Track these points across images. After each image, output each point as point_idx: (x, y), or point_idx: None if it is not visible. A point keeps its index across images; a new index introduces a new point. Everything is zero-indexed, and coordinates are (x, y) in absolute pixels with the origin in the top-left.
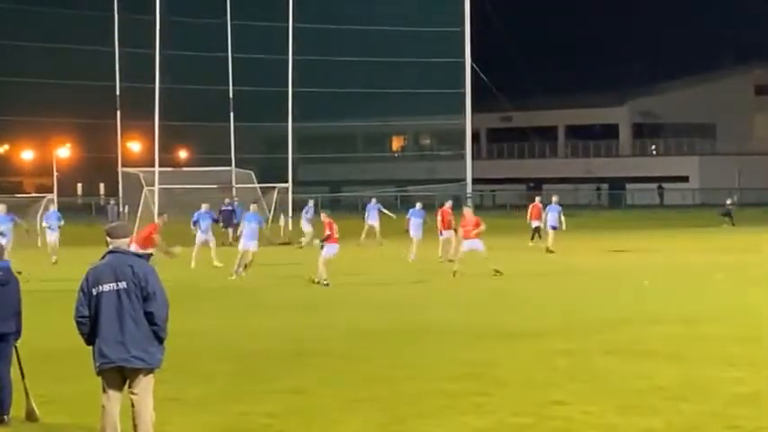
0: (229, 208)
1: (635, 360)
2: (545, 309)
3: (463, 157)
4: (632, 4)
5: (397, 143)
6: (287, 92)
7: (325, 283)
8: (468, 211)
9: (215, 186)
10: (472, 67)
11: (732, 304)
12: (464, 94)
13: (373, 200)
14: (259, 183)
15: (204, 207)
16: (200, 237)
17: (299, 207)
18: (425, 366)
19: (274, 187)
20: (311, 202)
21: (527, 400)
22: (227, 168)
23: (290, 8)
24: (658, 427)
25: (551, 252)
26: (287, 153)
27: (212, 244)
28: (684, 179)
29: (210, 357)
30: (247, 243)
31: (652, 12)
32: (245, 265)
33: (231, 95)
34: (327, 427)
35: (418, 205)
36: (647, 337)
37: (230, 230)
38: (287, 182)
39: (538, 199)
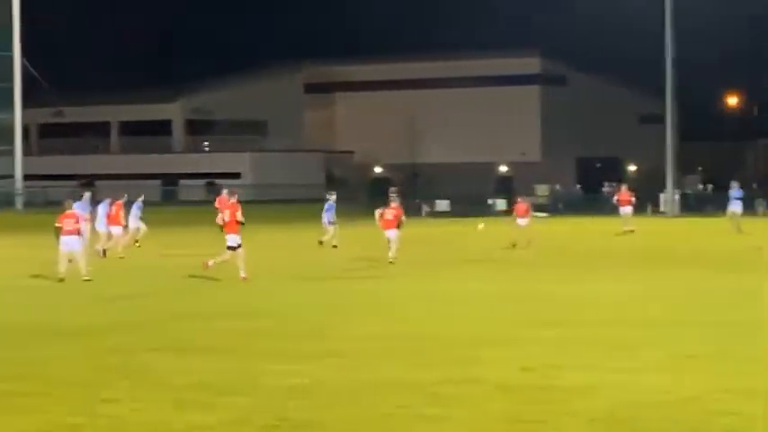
0: None
1: (187, 356)
2: (96, 306)
3: (12, 152)
4: (190, 1)
5: None
6: None
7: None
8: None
9: None
10: (22, 61)
11: (291, 301)
12: (13, 88)
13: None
14: None
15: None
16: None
17: None
18: None
19: None
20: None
21: (78, 399)
22: None
23: None
24: (210, 422)
25: (335, 247)
26: None
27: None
28: (237, 175)
29: None
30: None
31: (211, 9)
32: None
33: None
34: None
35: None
36: (200, 333)
37: None
38: None
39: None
